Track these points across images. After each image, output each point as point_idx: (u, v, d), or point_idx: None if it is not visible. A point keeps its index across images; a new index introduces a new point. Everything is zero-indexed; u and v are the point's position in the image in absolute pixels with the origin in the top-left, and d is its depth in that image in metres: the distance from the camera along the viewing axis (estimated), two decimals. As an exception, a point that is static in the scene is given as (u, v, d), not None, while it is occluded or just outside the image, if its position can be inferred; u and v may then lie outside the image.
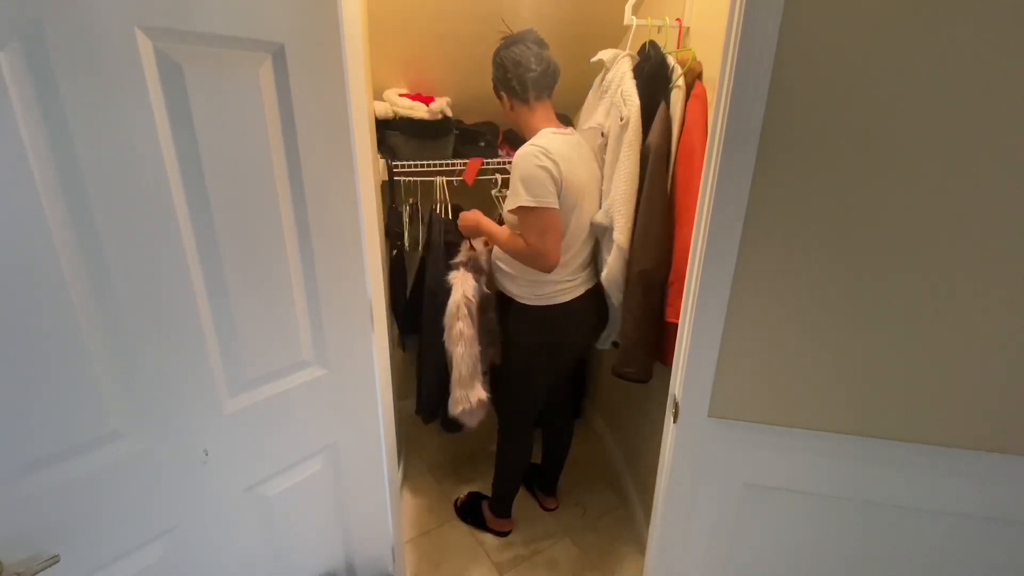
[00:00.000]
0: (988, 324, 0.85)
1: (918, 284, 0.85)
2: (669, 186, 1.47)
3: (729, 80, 0.80)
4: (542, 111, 1.48)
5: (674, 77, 1.43)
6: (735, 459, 1.01)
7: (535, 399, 1.70)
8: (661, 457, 1.12)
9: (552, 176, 1.35)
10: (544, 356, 1.61)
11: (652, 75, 1.45)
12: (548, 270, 1.42)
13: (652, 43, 1.47)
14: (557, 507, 2.03)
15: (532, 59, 1.41)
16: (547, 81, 1.46)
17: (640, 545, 1.87)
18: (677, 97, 1.41)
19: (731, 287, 0.89)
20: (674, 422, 1.03)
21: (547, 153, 1.35)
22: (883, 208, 0.82)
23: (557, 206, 1.37)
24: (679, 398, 1.00)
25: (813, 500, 1.01)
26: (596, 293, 1.58)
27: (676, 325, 1.39)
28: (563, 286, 1.52)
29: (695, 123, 1.36)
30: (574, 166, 1.42)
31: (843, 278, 0.86)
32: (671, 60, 1.46)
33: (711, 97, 1.35)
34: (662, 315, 1.49)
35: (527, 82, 1.43)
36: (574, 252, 1.50)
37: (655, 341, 1.53)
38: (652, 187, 1.43)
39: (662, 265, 1.45)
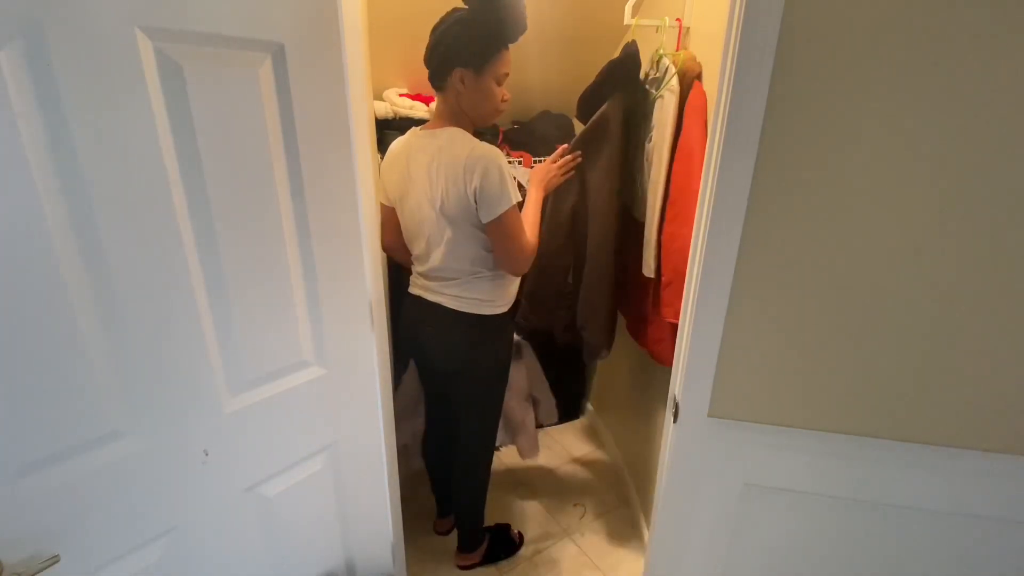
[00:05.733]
0: (989, 324, 0.85)
1: (919, 283, 0.85)
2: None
3: (729, 80, 0.80)
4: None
5: (667, 78, 1.43)
6: (735, 459, 1.01)
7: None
8: (661, 457, 1.12)
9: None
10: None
11: (606, 75, 1.50)
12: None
13: (632, 43, 1.49)
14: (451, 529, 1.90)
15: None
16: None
17: (640, 545, 1.87)
18: (671, 98, 1.41)
19: (731, 287, 0.89)
20: (674, 422, 1.03)
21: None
22: (884, 207, 0.82)
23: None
24: (679, 398, 1.00)
25: (813, 500, 1.01)
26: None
27: (668, 324, 1.41)
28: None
29: (694, 123, 1.36)
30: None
31: (843, 278, 0.86)
32: (667, 60, 1.46)
33: (711, 97, 1.35)
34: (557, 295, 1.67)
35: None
36: None
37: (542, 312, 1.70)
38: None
39: (555, 249, 1.64)
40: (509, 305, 1.51)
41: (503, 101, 1.36)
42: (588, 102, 1.56)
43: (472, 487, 1.69)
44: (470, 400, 1.57)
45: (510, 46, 1.31)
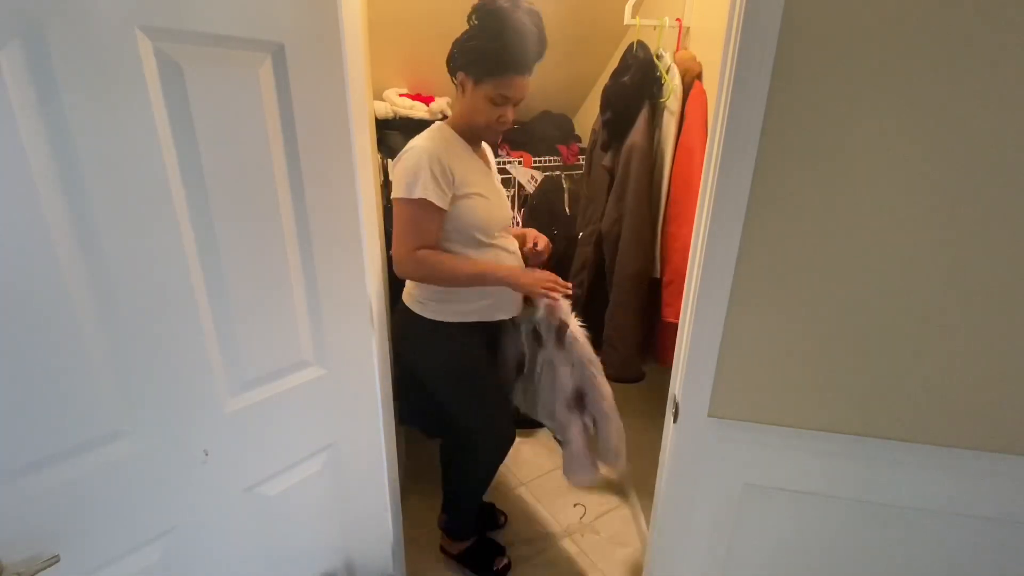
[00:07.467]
0: (988, 324, 0.85)
1: (919, 284, 0.85)
2: (657, 186, 1.48)
3: (729, 80, 0.80)
4: None
5: (670, 77, 1.43)
6: (735, 459, 1.01)
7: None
8: (661, 457, 1.12)
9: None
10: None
11: (640, 75, 1.46)
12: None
13: (640, 43, 1.48)
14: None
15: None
16: None
17: (640, 545, 1.87)
18: (674, 98, 1.42)
19: (731, 287, 0.89)
20: (674, 422, 1.03)
21: None
22: (885, 209, 0.82)
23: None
24: (679, 398, 1.00)
25: (813, 500, 1.01)
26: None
27: (668, 325, 1.41)
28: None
29: (694, 123, 1.36)
30: None
31: (844, 277, 0.86)
32: (667, 60, 1.46)
33: (711, 97, 1.35)
34: (651, 315, 1.51)
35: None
36: None
37: (646, 341, 1.55)
38: (638, 188, 1.44)
39: (650, 265, 1.47)
40: (448, 316, 1.41)
41: (499, 122, 1.34)
42: (621, 114, 1.54)
43: (460, 474, 1.68)
44: (437, 398, 1.54)
45: (527, 75, 1.31)
